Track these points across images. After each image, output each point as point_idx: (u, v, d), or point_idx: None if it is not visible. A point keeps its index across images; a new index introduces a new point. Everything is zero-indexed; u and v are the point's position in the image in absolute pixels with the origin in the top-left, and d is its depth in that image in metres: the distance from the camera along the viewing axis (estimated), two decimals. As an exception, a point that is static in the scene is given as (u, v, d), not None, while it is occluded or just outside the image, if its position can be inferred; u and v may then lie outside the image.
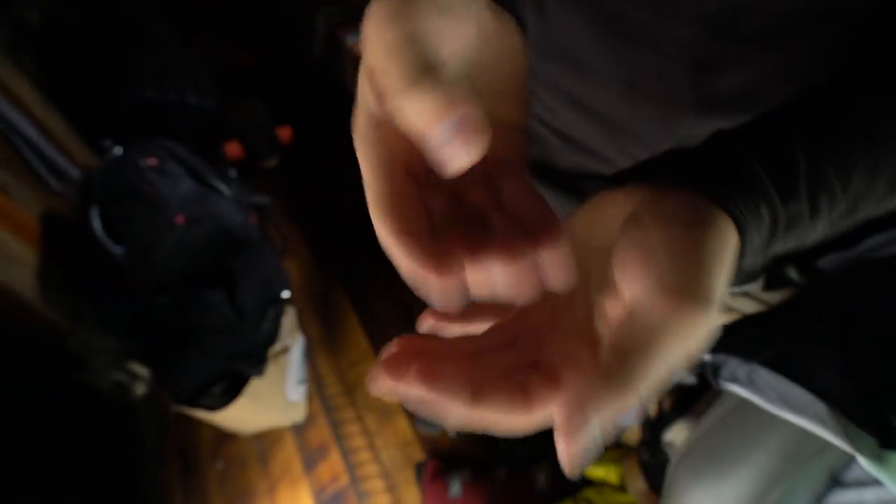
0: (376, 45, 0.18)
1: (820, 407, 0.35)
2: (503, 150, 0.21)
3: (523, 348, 0.20)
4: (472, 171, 0.18)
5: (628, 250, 0.17)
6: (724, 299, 0.18)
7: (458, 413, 0.17)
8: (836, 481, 0.42)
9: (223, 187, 1.20)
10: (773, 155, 0.20)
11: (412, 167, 0.20)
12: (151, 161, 1.15)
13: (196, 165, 1.21)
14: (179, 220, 1.07)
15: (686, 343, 0.16)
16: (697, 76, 0.28)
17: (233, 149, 1.75)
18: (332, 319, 1.40)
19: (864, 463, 0.33)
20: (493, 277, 0.18)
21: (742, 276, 0.21)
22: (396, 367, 0.18)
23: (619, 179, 0.22)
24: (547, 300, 0.21)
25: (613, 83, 0.30)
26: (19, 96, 1.15)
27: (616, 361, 0.16)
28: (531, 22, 0.33)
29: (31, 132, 1.11)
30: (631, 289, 0.17)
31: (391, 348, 0.19)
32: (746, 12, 0.25)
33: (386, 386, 0.18)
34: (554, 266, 0.18)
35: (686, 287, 0.16)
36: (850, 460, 0.41)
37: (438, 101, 0.16)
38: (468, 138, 0.16)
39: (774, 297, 0.50)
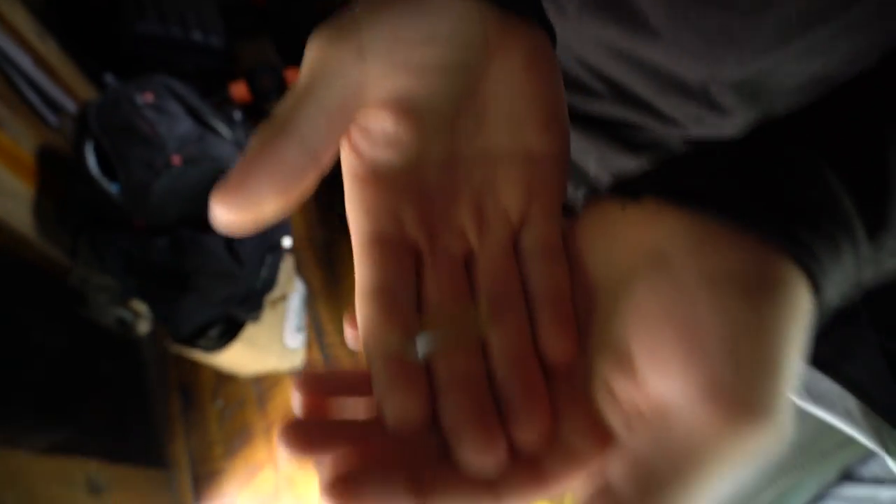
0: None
1: (851, 402, 0.31)
2: (533, 191, 0.18)
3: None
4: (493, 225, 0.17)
5: (663, 326, 0.12)
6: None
7: None
8: (848, 475, 0.38)
9: (223, 129, 1.15)
10: (859, 170, 0.14)
11: (409, 235, 0.18)
12: (148, 97, 1.10)
13: (195, 105, 1.16)
14: (176, 160, 1.04)
15: (739, 466, 0.12)
16: (791, 35, 0.23)
17: (239, 90, 1.69)
18: (334, 269, 1.38)
19: (894, 466, 0.29)
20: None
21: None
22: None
23: (639, 185, 0.16)
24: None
25: (675, 48, 0.26)
26: (15, 25, 1.09)
27: (643, 493, 0.11)
28: None
29: (27, 64, 1.06)
30: (666, 383, 0.12)
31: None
32: None
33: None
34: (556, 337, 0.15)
35: (747, 392, 0.11)
36: (868, 456, 0.37)
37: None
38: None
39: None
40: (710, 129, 0.28)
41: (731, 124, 0.28)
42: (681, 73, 0.27)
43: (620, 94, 0.30)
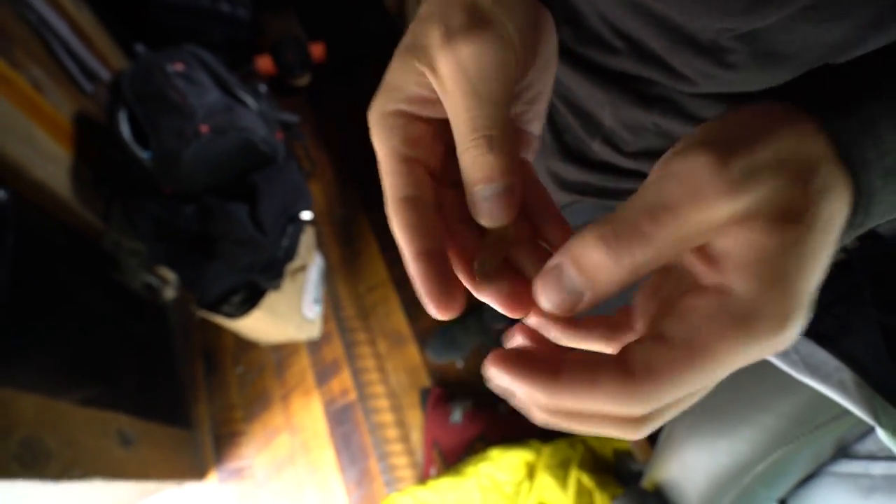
0: (464, 51, 0.19)
1: (846, 374, 0.32)
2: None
3: None
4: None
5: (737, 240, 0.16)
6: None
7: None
8: (844, 452, 0.40)
9: (250, 100, 1.18)
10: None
11: (430, 164, 0.22)
12: (178, 66, 1.12)
13: (223, 76, 1.18)
14: (204, 129, 1.06)
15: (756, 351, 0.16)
16: None
17: (264, 63, 1.70)
18: (353, 244, 1.41)
19: (884, 437, 0.30)
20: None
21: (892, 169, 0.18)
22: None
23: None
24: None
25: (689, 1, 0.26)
26: (52, -9, 1.12)
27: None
28: None
29: (65, 31, 1.10)
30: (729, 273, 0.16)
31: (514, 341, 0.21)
32: None
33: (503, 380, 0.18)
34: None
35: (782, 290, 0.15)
36: (864, 433, 0.39)
37: (494, 165, 0.19)
38: (501, 207, 0.20)
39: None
40: (719, 86, 0.29)
41: (739, 80, 0.28)
42: (692, 28, 0.28)
43: (637, 49, 0.31)
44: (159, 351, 1.27)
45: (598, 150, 0.38)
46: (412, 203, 0.20)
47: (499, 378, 0.18)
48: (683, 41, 0.29)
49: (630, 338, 0.20)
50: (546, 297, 0.18)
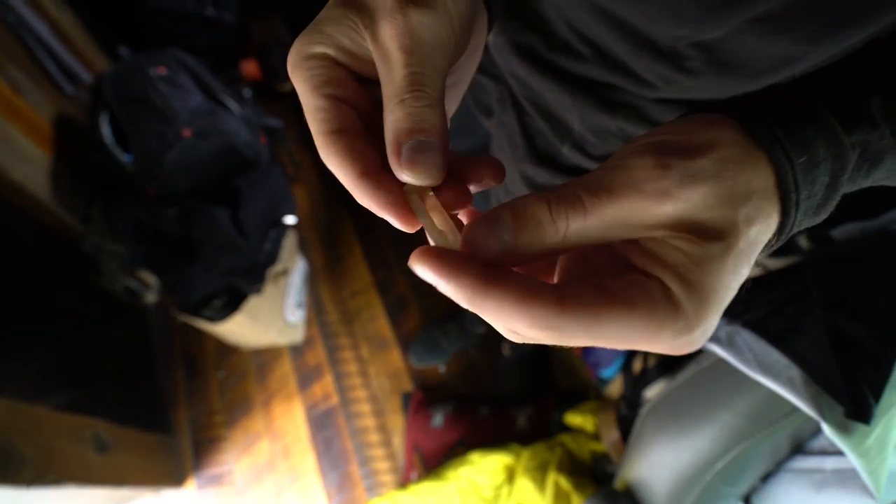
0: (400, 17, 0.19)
1: (794, 372, 0.33)
2: None
3: None
4: None
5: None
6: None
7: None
8: (799, 448, 0.41)
9: (233, 105, 1.18)
10: (834, 89, 0.20)
11: (356, 108, 0.21)
12: (161, 70, 1.12)
13: (206, 79, 1.18)
14: (187, 133, 1.06)
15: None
16: (743, 3, 0.25)
17: (249, 67, 1.70)
18: (337, 249, 1.41)
19: (828, 431, 0.32)
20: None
21: (811, 209, 0.20)
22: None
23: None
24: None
25: (648, 6, 0.28)
26: (33, -8, 1.11)
27: None
28: None
29: (45, 32, 1.09)
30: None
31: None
32: None
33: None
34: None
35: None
36: (817, 430, 0.40)
37: (431, 119, 0.19)
38: (429, 164, 0.19)
39: (776, 263, 0.47)
40: (679, 91, 0.31)
41: (697, 86, 0.30)
42: (652, 34, 0.29)
43: (602, 55, 0.33)
44: (139, 355, 1.25)
45: (568, 153, 0.39)
46: (345, 133, 0.20)
47: (423, 272, 0.17)
48: (645, 46, 0.30)
49: None
50: (475, 235, 0.18)
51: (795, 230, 0.21)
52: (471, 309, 0.18)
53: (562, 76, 0.36)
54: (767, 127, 0.19)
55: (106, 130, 1.06)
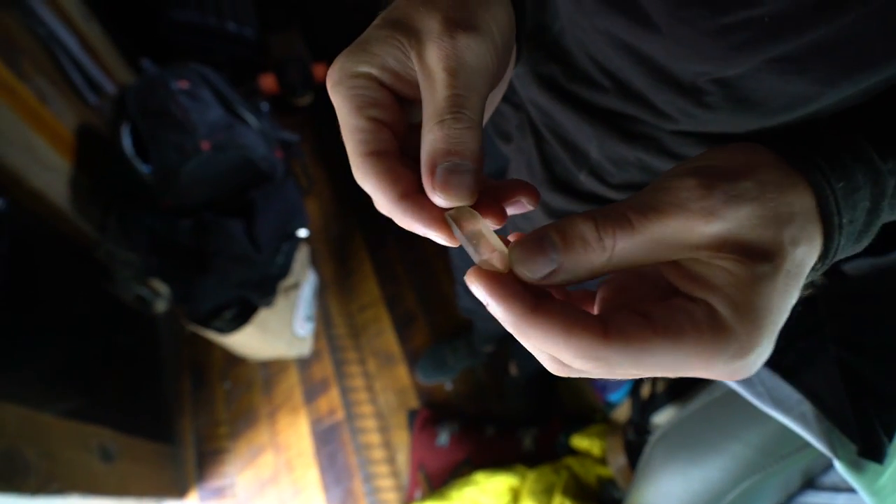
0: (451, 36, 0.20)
1: (806, 407, 0.33)
2: None
3: None
4: None
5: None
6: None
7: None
8: (811, 483, 0.41)
9: (251, 119, 1.20)
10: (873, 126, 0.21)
11: (395, 132, 0.21)
12: (183, 84, 1.15)
13: (226, 94, 1.21)
14: (205, 146, 1.09)
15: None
16: (768, 43, 0.26)
17: (267, 82, 1.74)
18: (347, 263, 1.42)
19: (841, 468, 0.32)
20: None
21: (853, 234, 0.21)
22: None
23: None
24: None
25: (671, 38, 0.29)
26: (64, 7, 1.16)
27: None
28: None
29: (73, 45, 1.12)
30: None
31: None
32: None
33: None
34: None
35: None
36: (829, 465, 0.40)
37: (468, 142, 0.19)
38: (463, 185, 0.19)
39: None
40: (697, 125, 0.32)
41: (715, 120, 0.31)
42: (674, 70, 0.30)
43: (622, 88, 0.34)
44: (147, 364, 1.26)
45: (585, 181, 0.40)
46: (384, 155, 0.20)
47: (478, 291, 0.18)
48: (666, 81, 0.31)
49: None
50: (523, 254, 0.18)
51: (839, 256, 0.21)
52: (516, 335, 0.18)
53: (582, 106, 0.37)
54: (805, 153, 0.20)
55: (127, 141, 1.09)
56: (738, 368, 0.18)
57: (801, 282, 0.19)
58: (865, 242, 0.21)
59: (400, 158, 0.21)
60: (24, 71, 0.96)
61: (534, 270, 0.18)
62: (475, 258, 0.20)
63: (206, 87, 1.20)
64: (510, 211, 0.22)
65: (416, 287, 1.36)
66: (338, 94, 0.21)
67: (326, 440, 1.17)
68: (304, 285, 1.21)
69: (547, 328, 0.17)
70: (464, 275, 0.59)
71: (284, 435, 1.19)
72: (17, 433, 0.73)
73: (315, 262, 1.40)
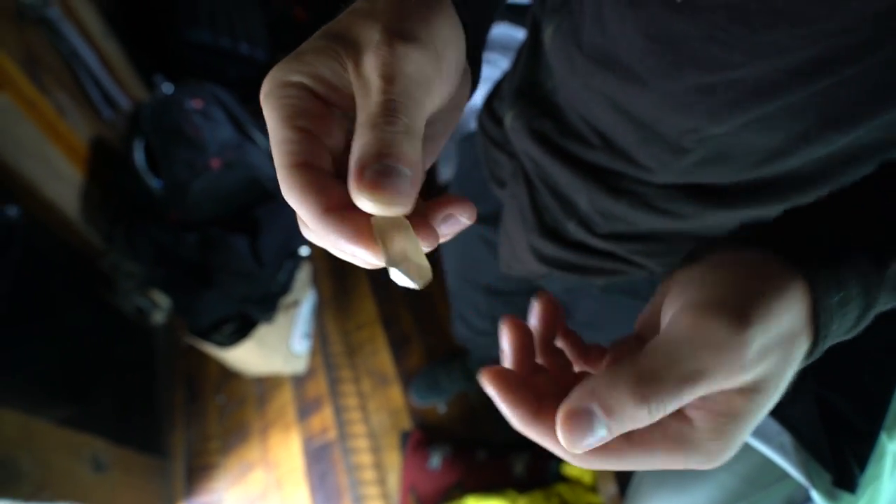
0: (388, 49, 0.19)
1: (786, 438, 0.36)
2: None
3: None
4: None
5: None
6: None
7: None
8: (792, 513, 0.43)
9: (260, 138, 1.24)
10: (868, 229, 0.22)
11: (328, 145, 0.20)
12: (197, 103, 1.19)
13: (238, 114, 1.25)
14: (215, 163, 1.12)
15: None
16: (748, 102, 0.29)
17: (276, 102, 1.79)
18: (345, 282, 1.44)
19: (817, 497, 0.34)
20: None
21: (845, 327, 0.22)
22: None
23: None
24: None
25: (659, 96, 0.31)
26: (85, 25, 1.20)
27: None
28: (583, 26, 0.34)
29: (92, 61, 1.16)
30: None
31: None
32: (795, 48, 0.25)
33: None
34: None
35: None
36: (809, 496, 0.42)
37: (402, 146, 0.17)
38: (395, 189, 0.17)
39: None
40: (677, 176, 0.35)
41: (695, 172, 0.34)
42: (661, 126, 0.33)
43: (609, 144, 0.37)
44: (141, 375, 1.26)
45: (574, 230, 0.42)
46: (311, 168, 0.18)
47: (489, 391, 0.22)
48: (651, 137, 0.34)
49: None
50: (571, 435, 0.18)
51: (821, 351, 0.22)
52: (519, 429, 0.22)
53: (572, 161, 0.39)
54: (809, 266, 0.20)
55: (139, 156, 1.12)
56: (706, 464, 0.20)
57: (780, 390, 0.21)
58: (856, 332, 0.22)
59: (329, 173, 0.19)
60: (46, 85, 1.00)
61: (586, 446, 0.19)
62: (398, 278, 0.18)
63: (219, 107, 1.24)
64: (444, 230, 0.21)
65: (412, 308, 1.38)
66: (267, 105, 0.19)
67: (318, 459, 1.17)
68: (303, 303, 1.22)
69: (543, 431, 0.21)
70: (460, 301, 0.66)
71: (276, 452, 1.19)
72: (14, 439, 0.74)
73: (314, 279, 1.42)
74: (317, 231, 0.18)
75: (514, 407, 0.22)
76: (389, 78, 0.18)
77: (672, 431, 0.19)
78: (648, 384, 0.18)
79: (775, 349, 0.19)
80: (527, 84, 0.43)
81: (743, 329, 0.18)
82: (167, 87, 1.30)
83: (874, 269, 0.21)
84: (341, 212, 0.18)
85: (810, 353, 0.21)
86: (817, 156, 0.32)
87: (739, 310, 0.19)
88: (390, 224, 0.18)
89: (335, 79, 0.20)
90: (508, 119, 0.44)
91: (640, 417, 0.18)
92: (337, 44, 0.20)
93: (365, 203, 0.17)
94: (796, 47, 0.25)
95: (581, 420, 0.18)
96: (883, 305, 0.22)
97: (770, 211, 0.35)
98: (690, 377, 0.18)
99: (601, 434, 0.18)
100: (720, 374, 0.18)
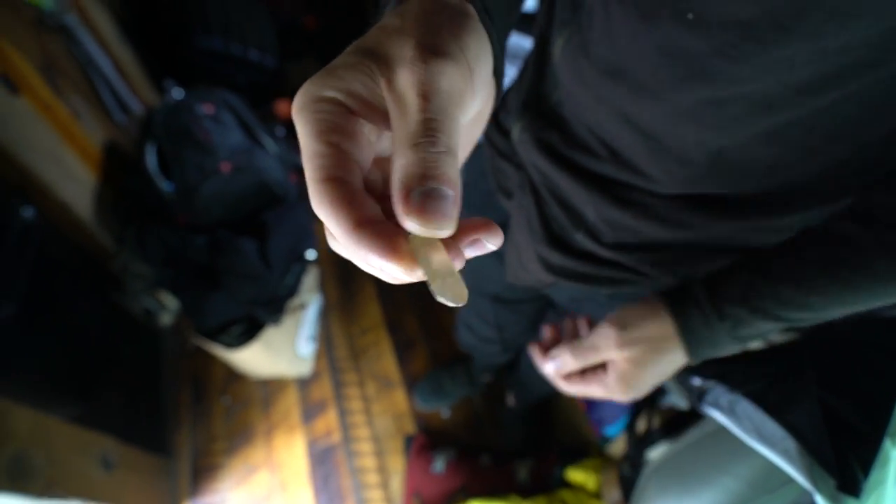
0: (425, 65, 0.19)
1: (790, 443, 0.36)
2: None
3: None
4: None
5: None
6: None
7: None
8: (796, 519, 0.43)
9: (269, 143, 1.26)
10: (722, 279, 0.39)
11: (360, 161, 0.20)
12: (208, 108, 1.21)
13: (247, 119, 1.27)
14: (225, 168, 1.14)
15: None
16: (757, 116, 0.29)
17: (283, 107, 1.81)
18: (351, 286, 1.45)
19: (822, 502, 0.34)
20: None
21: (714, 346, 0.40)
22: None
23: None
24: None
25: (669, 109, 0.32)
26: (101, 32, 1.22)
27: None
28: (593, 39, 0.35)
29: (107, 66, 1.19)
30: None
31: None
32: (809, 68, 0.26)
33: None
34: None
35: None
36: (814, 499, 0.43)
37: (445, 167, 0.18)
38: (442, 212, 0.17)
39: (780, 337, 0.51)
40: (683, 187, 0.36)
41: (701, 183, 0.35)
42: (669, 138, 0.34)
43: (615, 155, 0.37)
44: (148, 375, 1.27)
45: (581, 240, 0.43)
46: (343, 182, 0.18)
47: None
48: (659, 149, 0.35)
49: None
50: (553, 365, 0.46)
51: (712, 351, 0.40)
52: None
53: (578, 172, 0.40)
54: (689, 312, 0.40)
55: (151, 159, 1.14)
56: (618, 396, 0.44)
57: (662, 365, 0.42)
58: (754, 343, 0.41)
59: (360, 187, 0.19)
60: (62, 89, 1.02)
61: (554, 373, 0.44)
62: (438, 293, 0.18)
63: (230, 112, 1.26)
64: (468, 252, 0.21)
65: (417, 313, 1.39)
66: (300, 119, 0.19)
67: (321, 462, 1.17)
68: (310, 306, 1.23)
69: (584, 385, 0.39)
70: (465, 309, 0.75)
71: (280, 454, 1.20)
72: (29, 436, 0.75)
73: (321, 283, 1.43)
74: (347, 245, 0.18)
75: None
76: (426, 95, 0.19)
77: (598, 376, 0.44)
78: (576, 347, 0.45)
79: (644, 340, 0.41)
80: (533, 97, 0.44)
81: (619, 326, 0.42)
82: (177, 92, 1.32)
83: (709, 302, 0.39)
84: (373, 226, 0.18)
85: (691, 351, 0.40)
86: (824, 168, 0.32)
87: (622, 320, 0.43)
88: (426, 242, 0.18)
89: (367, 94, 0.20)
90: (516, 131, 0.45)
91: (573, 363, 0.45)
92: (369, 59, 0.20)
93: (412, 225, 0.18)
94: (804, 64, 0.26)
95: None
96: (757, 328, 0.37)
97: (776, 222, 0.36)
98: (591, 347, 0.44)
99: (560, 370, 0.46)
100: (605, 347, 0.43)
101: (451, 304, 0.18)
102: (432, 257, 0.18)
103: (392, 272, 0.18)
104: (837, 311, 0.35)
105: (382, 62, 0.20)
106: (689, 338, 0.40)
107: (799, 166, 0.33)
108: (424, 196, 0.17)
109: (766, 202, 0.35)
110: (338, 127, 0.19)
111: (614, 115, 0.36)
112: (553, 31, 0.41)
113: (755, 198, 0.35)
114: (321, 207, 0.18)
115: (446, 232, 0.18)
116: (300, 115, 0.19)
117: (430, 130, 0.18)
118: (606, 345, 0.42)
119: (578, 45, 0.37)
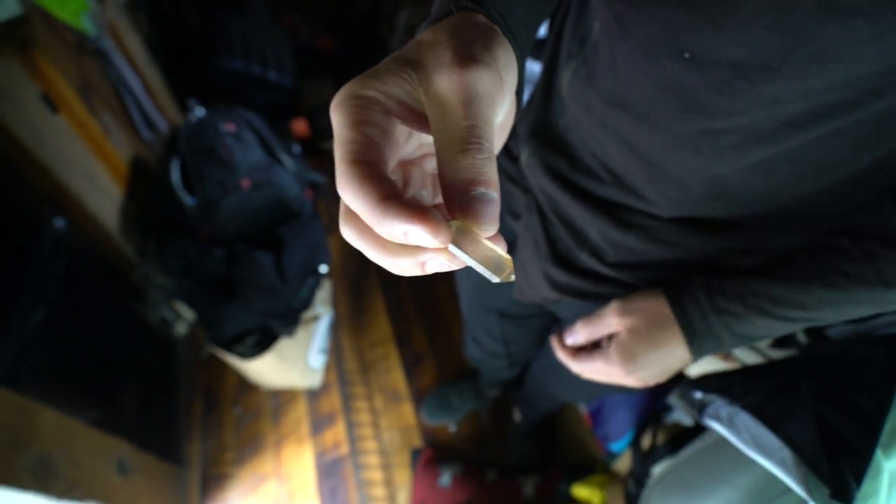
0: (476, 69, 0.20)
1: (786, 454, 0.38)
2: None
3: None
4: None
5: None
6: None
7: None
8: (795, 530, 0.45)
9: (287, 160, 1.31)
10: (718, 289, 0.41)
11: (392, 159, 0.21)
12: (230, 126, 1.27)
13: (267, 137, 1.32)
14: (245, 183, 1.18)
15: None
16: (748, 147, 0.32)
17: (299, 126, 1.87)
18: (361, 300, 1.48)
19: (816, 510, 0.36)
20: None
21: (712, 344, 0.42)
22: None
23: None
24: None
25: (669, 138, 0.35)
26: (133, 54, 1.29)
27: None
28: (599, 71, 0.38)
29: (137, 86, 1.25)
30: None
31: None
32: (792, 103, 0.29)
33: None
34: None
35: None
36: (810, 512, 0.44)
37: (491, 173, 0.19)
38: (494, 215, 0.19)
39: (778, 353, 0.53)
40: (681, 210, 0.38)
41: (696, 207, 0.37)
42: (668, 165, 0.36)
43: (619, 180, 0.40)
44: (163, 384, 1.30)
45: (585, 259, 0.46)
46: (371, 165, 0.19)
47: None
48: (659, 175, 0.38)
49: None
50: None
51: (714, 345, 0.42)
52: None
53: (583, 195, 0.43)
54: (682, 310, 0.42)
55: (175, 174, 1.19)
56: (619, 369, 0.45)
57: (664, 350, 0.43)
58: (754, 343, 0.44)
59: (386, 173, 0.20)
60: (95, 107, 1.08)
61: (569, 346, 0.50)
62: (496, 274, 0.20)
63: (250, 131, 1.32)
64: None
65: (425, 328, 1.41)
66: (338, 112, 0.20)
67: (329, 473, 1.19)
68: (322, 319, 1.26)
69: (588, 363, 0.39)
70: (473, 325, 0.78)
71: (288, 465, 1.21)
72: (53, 436, 0.77)
73: (332, 297, 1.46)
74: (374, 218, 0.18)
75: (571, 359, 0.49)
76: (467, 102, 0.20)
77: (601, 351, 0.46)
78: (588, 317, 0.48)
79: (643, 311, 0.43)
80: (540, 124, 0.47)
81: (623, 301, 0.45)
82: (199, 111, 1.38)
83: (705, 296, 0.41)
84: (399, 198, 0.18)
85: (690, 342, 0.42)
86: (813, 195, 0.35)
87: (625, 298, 0.45)
88: (466, 235, 0.19)
89: (405, 97, 0.21)
90: (524, 156, 0.48)
91: (586, 334, 0.48)
92: (409, 67, 0.21)
93: (478, 225, 0.19)
94: (789, 100, 0.29)
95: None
96: (755, 324, 0.39)
97: (767, 243, 0.38)
98: (599, 317, 0.47)
99: (573, 335, 0.49)
100: (609, 316, 0.45)
101: (509, 281, 0.20)
102: (478, 248, 0.20)
103: (420, 237, 0.18)
104: (830, 312, 0.36)
105: (421, 69, 0.21)
106: (687, 329, 0.41)
107: (788, 193, 0.35)
108: (475, 199, 0.19)
109: (759, 225, 0.37)
110: (373, 121, 0.20)
111: (618, 142, 0.39)
112: (560, 61, 0.44)
113: (748, 221, 0.37)
114: (348, 186, 0.19)
115: (492, 230, 0.20)
116: (339, 108, 0.20)
117: (475, 137, 0.19)
118: (609, 313, 0.45)
119: (585, 76, 0.40)
